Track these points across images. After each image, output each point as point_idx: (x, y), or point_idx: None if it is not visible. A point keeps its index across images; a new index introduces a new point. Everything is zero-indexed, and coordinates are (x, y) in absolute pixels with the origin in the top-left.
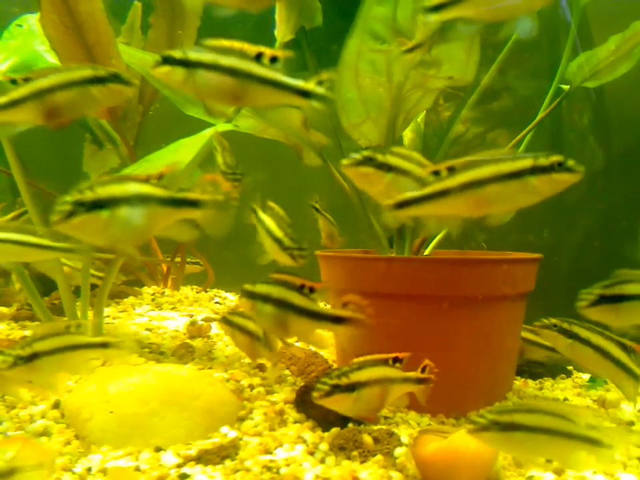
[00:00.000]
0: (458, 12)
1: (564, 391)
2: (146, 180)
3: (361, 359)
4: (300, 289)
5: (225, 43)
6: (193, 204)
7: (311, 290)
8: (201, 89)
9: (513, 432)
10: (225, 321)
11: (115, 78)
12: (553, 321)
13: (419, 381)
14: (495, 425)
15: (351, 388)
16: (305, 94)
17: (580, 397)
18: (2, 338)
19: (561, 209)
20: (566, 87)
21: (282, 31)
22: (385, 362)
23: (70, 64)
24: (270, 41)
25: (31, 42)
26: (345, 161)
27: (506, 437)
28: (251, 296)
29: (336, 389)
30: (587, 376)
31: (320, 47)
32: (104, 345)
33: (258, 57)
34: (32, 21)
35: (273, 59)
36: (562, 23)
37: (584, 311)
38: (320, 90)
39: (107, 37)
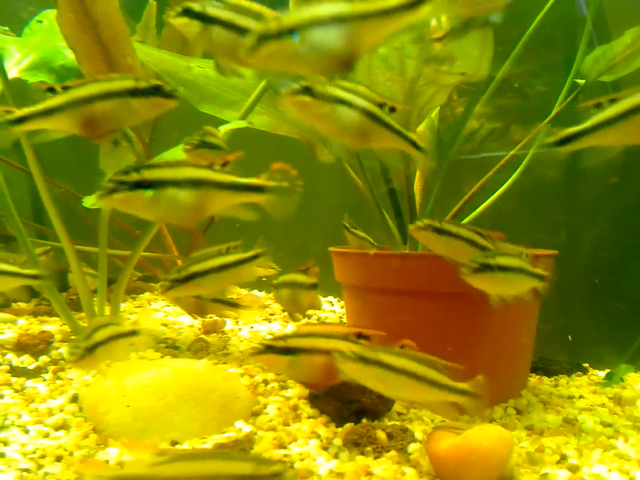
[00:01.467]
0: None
1: (579, 388)
2: (209, 166)
3: (320, 328)
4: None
5: (245, 2)
6: (257, 189)
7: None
8: (215, 45)
9: (375, 367)
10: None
11: (157, 90)
12: (426, 221)
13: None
14: (360, 359)
15: (289, 352)
16: None
17: (595, 394)
18: (21, 333)
19: (577, 206)
20: (581, 82)
21: None
22: (344, 336)
23: (110, 73)
24: None
25: (51, 38)
26: (284, 91)
27: (368, 370)
28: None
29: (269, 349)
30: (602, 373)
31: None
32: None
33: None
34: (52, 16)
35: None
36: (578, 17)
37: (466, 277)
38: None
39: (122, 35)
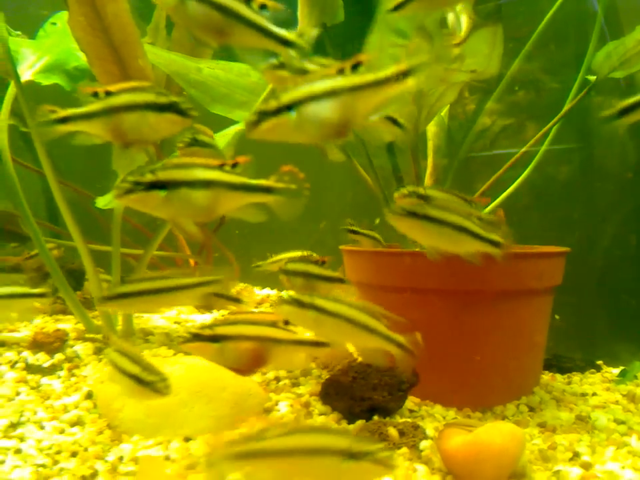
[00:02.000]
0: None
1: (593, 386)
2: (221, 166)
3: (249, 316)
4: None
5: None
6: (266, 190)
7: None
8: (190, 19)
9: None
10: None
11: (171, 107)
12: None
13: (317, 344)
14: (296, 302)
15: (216, 339)
16: (285, 42)
17: (609, 392)
18: (37, 331)
19: (591, 203)
20: (592, 78)
21: (304, 28)
22: (271, 322)
23: (138, 82)
24: None
25: (64, 40)
26: (263, 66)
27: (304, 313)
28: None
29: (196, 337)
30: (616, 370)
31: (341, 41)
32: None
33: (248, 1)
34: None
35: (263, 6)
36: (589, 12)
37: (392, 220)
38: (300, 40)
39: (133, 37)
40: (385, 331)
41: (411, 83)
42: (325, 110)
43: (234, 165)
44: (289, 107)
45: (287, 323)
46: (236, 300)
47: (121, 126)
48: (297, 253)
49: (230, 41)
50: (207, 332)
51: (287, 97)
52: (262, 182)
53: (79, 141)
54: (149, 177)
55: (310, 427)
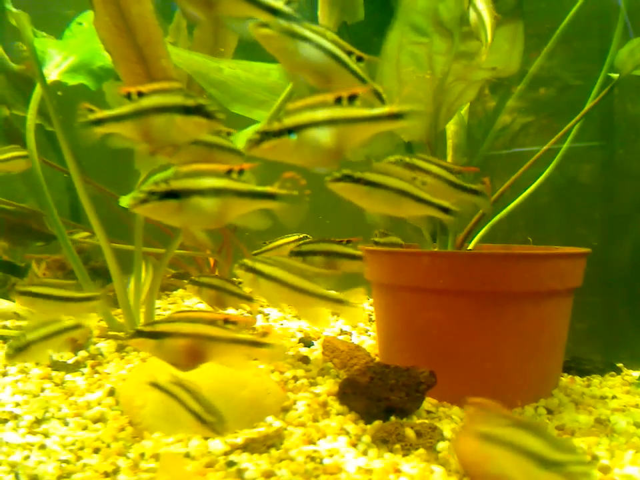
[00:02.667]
0: None
1: (612, 389)
2: (228, 172)
3: (191, 314)
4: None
5: None
6: (271, 196)
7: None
8: None
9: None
10: (192, 282)
11: (198, 110)
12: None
13: (255, 343)
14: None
15: (155, 336)
16: (272, 11)
17: (629, 395)
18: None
19: (615, 202)
20: (615, 76)
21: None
22: (211, 321)
23: (167, 83)
24: None
25: (90, 40)
26: (252, 25)
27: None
28: None
29: (138, 333)
30: (636, 373)
31: (361, 39)
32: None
33: None
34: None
35: None
36: (613, 8)
37: (330, 185)
38: (287, 9)
39: (156, 37)
40: (322, 292)
41: (400, 124)
42: (323, 136)
43: (240, 172)
44: (290, 130)
45: (226, 321)
46: (247, 298)
47: (149, 128)
48: (293, 237)
49: (218, 11)
50: (148, 329)
51: (289, 121)
52: (267, 188)
53: (113, 144)
54: (162, 187)
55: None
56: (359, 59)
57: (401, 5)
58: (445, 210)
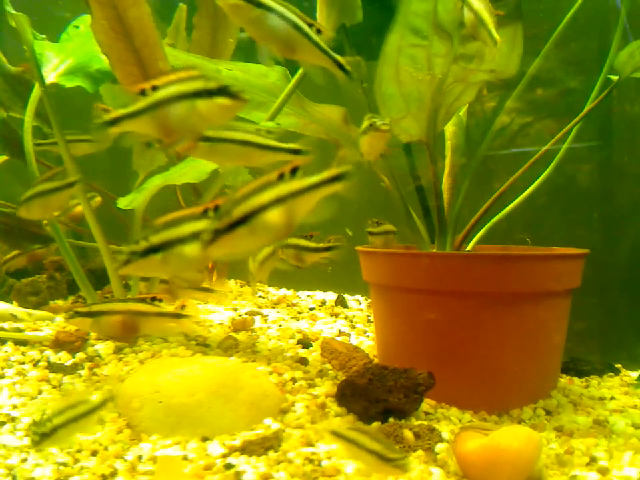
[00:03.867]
0: None
1: (611, 390)
2: (204, 212)
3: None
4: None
5: None
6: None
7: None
8: None
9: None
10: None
11: (222, 91)
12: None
13: (175, 315)
14: None
15: (91, 315)
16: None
17: (627, 396)
18: (59, 330)
19: (613, 202)
20: (615, 78)
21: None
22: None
23: (184, 72)
24: None
25: (87, 43)
26: None
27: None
28: None
29: (76, 314)
30: (635, 374)
31: (360, 41)
32: None
33: None
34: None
35: None
36: (612, 10)
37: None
38: None
39: (153, 40)
40: None
41: (339, 186)
42: (273, 217)
43: (215, 208)
44: (241, 221)
45: (153, 299)
46: (205, 289)
47: (170, 119)
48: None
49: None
50: (85, 309)
51: (238, 212)
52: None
53: (126, 142)
54: (143, 245)
55: None
56: (319, 31)
57: (400, 8)
58: (295, 152)
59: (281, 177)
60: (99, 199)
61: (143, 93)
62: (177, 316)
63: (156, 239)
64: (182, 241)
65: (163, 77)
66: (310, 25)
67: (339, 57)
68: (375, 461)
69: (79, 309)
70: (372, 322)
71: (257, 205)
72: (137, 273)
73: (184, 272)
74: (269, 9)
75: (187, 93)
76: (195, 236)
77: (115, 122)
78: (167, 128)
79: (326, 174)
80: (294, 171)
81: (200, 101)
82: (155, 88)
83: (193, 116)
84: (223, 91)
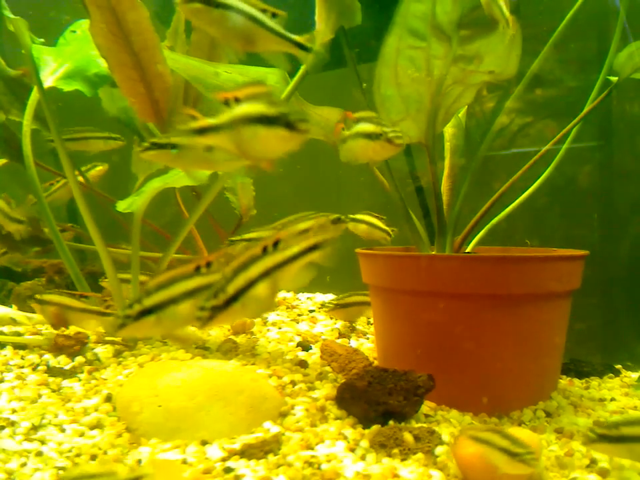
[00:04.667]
0: None
1: (611, 391)
2: (197, 269)
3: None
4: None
5: None
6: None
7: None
8: None
9: None
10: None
11: (279, 120)
12: None
13: (101, 313)
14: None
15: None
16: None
17: (628, 397)
18: (58, 334)
19: (613, 202)
20: (614, 79)
21: (322, 31)
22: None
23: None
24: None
25: (84, 47)
26: (179, 1)
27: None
28: None
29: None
30: (635, 375)
31: (359, 43)
32: None
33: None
34: (85, 26)
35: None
36: (611, 10)
37: (181, 6)
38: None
39: (152, 43)
40: None
41: (318, 254)
42: (261, 290)
43: (208, 264)
44: (234, 298)
45: (81, 296)
46: (99, 313)
47: (240, 141)
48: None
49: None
50: (38, 297)
51: (231, 288)
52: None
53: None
54: (136, 308)
55: None
56: (274, 15)
57: (399, 9)
58: (302, 46)
59: (264, 250)
60: (100, 167)
61: (226, 102)
62: (102, 314)
63: (149, 301)
64: (174, 301)
65: (246, 89)
66: (264, 11)
67: (296, 37)
68: (503, 457)
69: (38, 296)
70: (372, 324)
71: (247, 280)
72: (132, 335)
73: (181, 327)
74: (225, 6)
75: (251, 116)
76: (187, 295)
77: (201, 132)
78: (240, 149)
79: (305, 244)
80: (276, 244)
81: (261, 127)
82: (237, 100)
83: (257, 142)
84: (279, 120)
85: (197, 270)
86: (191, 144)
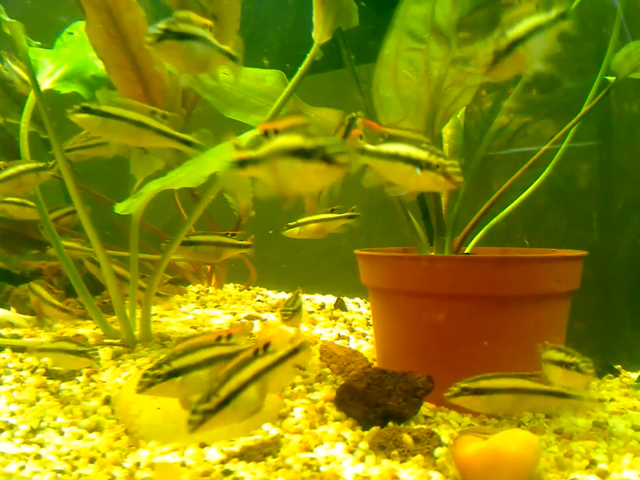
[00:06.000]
0: None
1: (610, 391)
2: (218, 339)
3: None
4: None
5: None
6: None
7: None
8: None
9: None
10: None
11: (316, 153)
12: None
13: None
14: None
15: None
16: None
17: (627, 397)
18: (56, 335)
19: (613, 202)
20: (611, 79)
21: (319, 33)
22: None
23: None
24: (307, 42)
25: (81, 49)
26: (149, 39)
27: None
28: None
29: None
30: (635, 375)
31: (357, 44)
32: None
33: None
34: (82, 28)
35: None
36: (609, 9)
37: (71, 116)
38: None
39: None
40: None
41: (301, 357)
42: (252, 393)
43: (229, 337)
44: (225, 402)
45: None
46: (62, 309)
47: (277, 175)
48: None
49: None
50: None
51: (224, 392)
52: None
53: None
54: (165, 369)
55: None
56: (164, 117)
57: (398, 11)
58: (187, 142)
59: (255, 353)
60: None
61: (266, 134)
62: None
63: (177, 363)
64: (198, 366)
65: (285, 120)
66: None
67: (227, 48)
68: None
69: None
70: (371, 325)
71: (240, 382)
72: (157, 395)
73: (197, 392)
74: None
75: (287, 149)
76: (208, 362)
77: (243, 164)
78: (278, 183)
79: (290, 348)
80: (266, 347)
81: (298, 161)
82: (277, 132)
83: (293, 175)
84: (318, 153)
85: (218, 340)
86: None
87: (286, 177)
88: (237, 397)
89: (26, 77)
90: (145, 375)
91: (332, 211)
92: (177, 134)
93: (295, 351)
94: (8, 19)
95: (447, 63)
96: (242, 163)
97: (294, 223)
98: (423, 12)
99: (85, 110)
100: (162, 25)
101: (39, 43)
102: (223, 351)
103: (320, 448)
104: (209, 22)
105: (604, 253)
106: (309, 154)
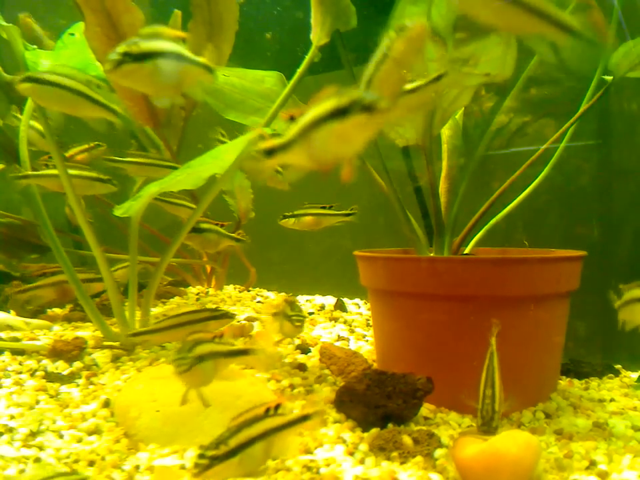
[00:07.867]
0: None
1: (611, 391)
2: (266, 412)
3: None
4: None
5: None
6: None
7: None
8: None
9: None
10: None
11: (354, 107)
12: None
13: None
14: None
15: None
16: None
17: (627, 398)
18: (56, 339)
19: (613, 200)
20: (609, 78)
21: (317, 35)
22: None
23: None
24: (306, 44)
25: (82, 50)
26: (107, 66)
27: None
28: None
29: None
30: (635, 375)
31: (355, 45)
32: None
33: None
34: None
35: None
36: (608, 8)
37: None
38: None
39: None
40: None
41: (311, 424)
42: (259, 450)
43: (277, 407)
44: (233, 452)
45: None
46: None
47: (315, 149)
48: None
49: None
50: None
51: (233, 442)
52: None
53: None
54: (223, 449)
55: None
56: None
57: (394, 12)
58: (115, 112)
59: (267, 412)
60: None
61: (292, 119)
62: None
63: (233, 441)
64: (252, 442)
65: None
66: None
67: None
68: None
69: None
70: (371, 326)
71: (249, 437)
72: (216, 478)
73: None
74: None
75: (320, 117)
76: (261, 437)
77: (270, 153)
78: (317, 158)
79: (300, 414)
80: (277, 408)
81: (336, 123)
82: (292, 119)
83: (333, 141)
84: (356, 106)
85: (267, 413)
86: None
87: (326, 146)
88: (245, 450)
89: (42, 129)
90: (202, 456)
91: (330, 208)
92: (109, 104)
93: (305, 418)
94: (4, 23)
95: (444, 64)
96: (270, 152)
97: (290, 213)
98: (418, 12)
99: (28, 79)
100: (120, 48)
101: (35, 46)
102: (274, 423)
103: (320, 450)
104: (181, 34)
105: (604, 253)
106: (346, 111)
